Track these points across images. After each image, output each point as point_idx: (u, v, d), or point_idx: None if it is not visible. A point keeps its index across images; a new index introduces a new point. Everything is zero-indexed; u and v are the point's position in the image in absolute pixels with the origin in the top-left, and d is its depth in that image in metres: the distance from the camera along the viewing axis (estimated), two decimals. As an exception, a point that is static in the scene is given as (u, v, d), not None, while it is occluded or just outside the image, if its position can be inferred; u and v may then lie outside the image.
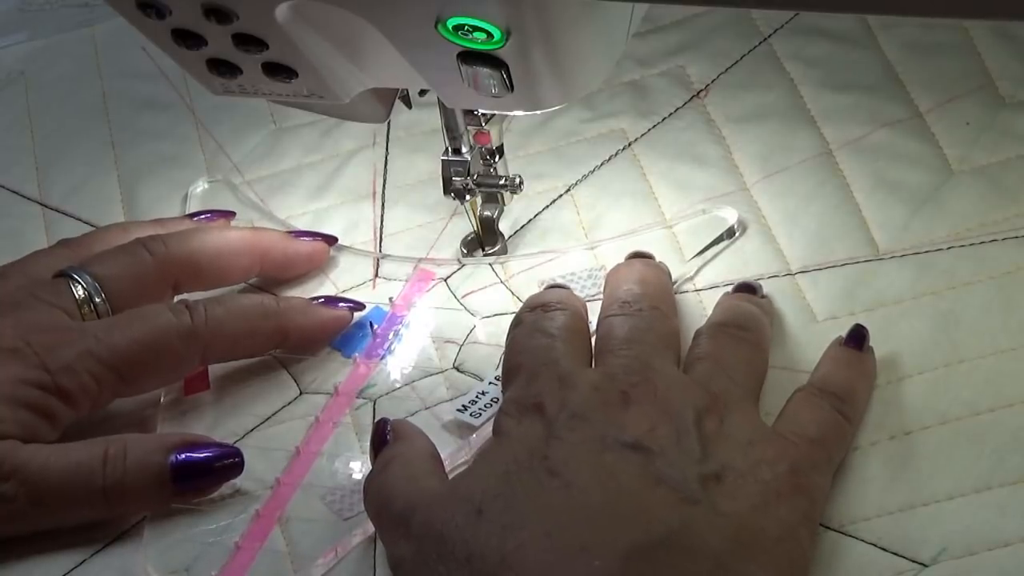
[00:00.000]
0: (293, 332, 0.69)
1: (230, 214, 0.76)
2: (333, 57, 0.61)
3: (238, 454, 0.64)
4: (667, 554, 0.53)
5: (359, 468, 0.65)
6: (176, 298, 0.70)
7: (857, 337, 0.64)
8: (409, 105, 0.69)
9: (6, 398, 0.62)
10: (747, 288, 0.67)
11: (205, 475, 0.63)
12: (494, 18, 0.55)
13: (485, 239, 0.74)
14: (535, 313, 0.65)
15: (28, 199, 0.81)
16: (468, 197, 0.71)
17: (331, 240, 0.75)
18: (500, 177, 0.71)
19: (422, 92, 0.67)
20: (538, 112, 0.67)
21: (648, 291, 0.66)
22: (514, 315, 0.66)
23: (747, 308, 0.66)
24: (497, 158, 0.70)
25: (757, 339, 0.65)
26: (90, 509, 0.62)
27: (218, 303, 0.68)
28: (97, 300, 0.67)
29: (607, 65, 0.63)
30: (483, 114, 0.68)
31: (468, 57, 0.57)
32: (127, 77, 0.86)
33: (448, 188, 0.70)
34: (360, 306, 0.71)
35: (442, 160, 0.70)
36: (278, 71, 0.61)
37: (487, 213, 0.73)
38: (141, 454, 0.62)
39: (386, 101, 0.68)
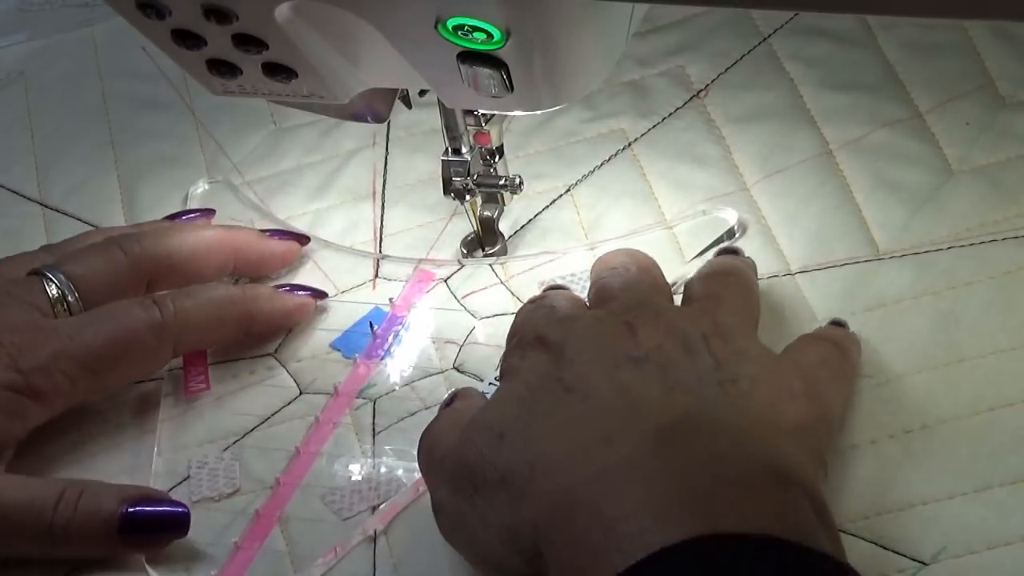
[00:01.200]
0: (259, 318, 0.70)
1: (210, 212, 0.76)
2: (333, 57, 0.61)
3: (186, 516, 0.63)
4: (690, 432, 0.54)
5: (359, 469, 0.65)
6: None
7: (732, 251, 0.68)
8: (409, 105, 0.68)
9: None
10: (729, 251, 0.68)
11: (149, 531, 0.62)
12: (494, 18, 0.55)
13: (485, 239, 0.74)
14: (534, 302, 0.66)
15: (28, 199, 0.81)
16: (468, 197, 0.71)
17: (304, 240, 0.75)
18: (500, 177, 0.71)
19: (422, 92, 0.67)
20: (538, 112, 0.67)
21: (638, 259, 0.67)
22: (514, 315, 0.66)
23: (731, 260, 0.67)
24: (497, 158, 0.70)
25: (746, 282, 0.66)
26: (35, 545, 0.61)
27: (186, 295, 0.68)
28: (71, 299, 0.67)
29: (607, 66, 0.63)
30: (483, 114, 0.68)
31: (468, 57, 0.57)
32: (127, 77, 0.86)
33: (448, 188, 0.70)
34: (323, 294, 0.72)
35: (442, 160, 0.70)
36: (278, 71, 0.61)
37: (487, 213, 0.72)
38: (94, 500, 0.62)
39: (386, 101, 0.68)
